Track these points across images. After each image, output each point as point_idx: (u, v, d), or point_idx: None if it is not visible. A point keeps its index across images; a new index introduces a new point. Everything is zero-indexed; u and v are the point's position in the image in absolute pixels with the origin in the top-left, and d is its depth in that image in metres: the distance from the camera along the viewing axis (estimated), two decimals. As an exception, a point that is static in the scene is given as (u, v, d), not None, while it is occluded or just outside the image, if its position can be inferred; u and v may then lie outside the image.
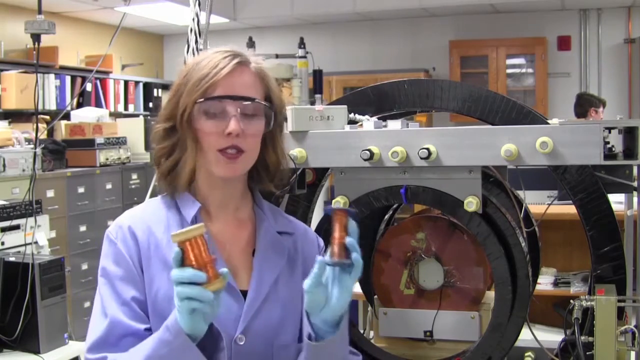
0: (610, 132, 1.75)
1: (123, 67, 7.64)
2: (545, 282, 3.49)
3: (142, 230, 1.39)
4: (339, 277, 1.30)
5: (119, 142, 6.15)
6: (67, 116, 6.14)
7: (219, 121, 1.37)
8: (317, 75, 5.96)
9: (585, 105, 5.89)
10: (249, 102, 1.38)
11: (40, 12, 3.11)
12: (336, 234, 1.29)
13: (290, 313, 1.43)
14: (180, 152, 1.42)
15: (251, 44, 5.81)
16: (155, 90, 7.64)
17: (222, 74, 1.36)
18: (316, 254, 1.50)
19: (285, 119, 1.59)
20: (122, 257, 1.37)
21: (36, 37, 3.06)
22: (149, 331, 1.33)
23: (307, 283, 1.30)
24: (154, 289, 1.36)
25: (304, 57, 5.86)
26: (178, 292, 1.19)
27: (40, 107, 5.89)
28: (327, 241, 1.34)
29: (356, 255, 1.28)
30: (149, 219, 1.42)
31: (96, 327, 1.35)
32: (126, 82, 7.29)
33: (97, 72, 6.49)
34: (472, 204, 1.72)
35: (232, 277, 1.38)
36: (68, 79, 6.35)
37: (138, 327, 1.33)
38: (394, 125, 1.80)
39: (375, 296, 2.04)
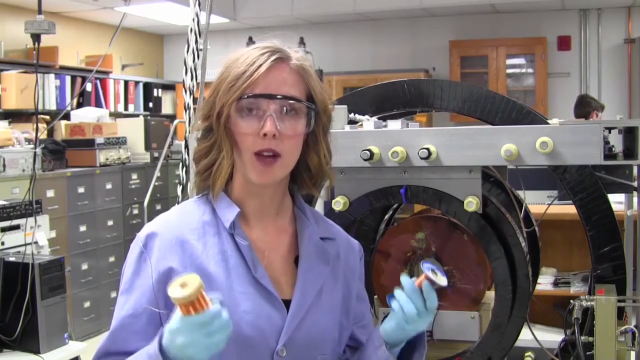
0: (610, 132, 1.75)
1: (123, 67, 7.64)
2: (545, 282, 3.50)
3: (176, 238, 1.31)
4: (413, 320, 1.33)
5: (119, 142, 6.15)
6: (67, 116, 6.14)
7: (254, 122, 1.29)
8: (317, 75, 5.97)
9: (587, 107, 5.89)
10: (286, 101, 1.30)
11: (40, 12, 3.11)
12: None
13: (331, 322, 1.38)
14: (217, 153, 1.34)
15: (251, 43, 5.82)
16: (155, 90, 7.64)
17: (260, 72, 1.28)
18: (358, 264, 1.48)
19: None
20: (145, 268, 1.31)
21: (36, 37, 3.06)
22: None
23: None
24: None
25: (304, 57, 5.86)
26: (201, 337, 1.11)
27: (40, 107, 5.89)
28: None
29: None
30: (183, 226, 1.34)
31: (107, 334, 1.32)
32: (126, 82, 7.29)
33: (97, 72, 6.48)
34: (472, 204, 1.72)
35: (273, 286, 1.32)
36: (68, 79, 6.35)
37: (139, 344, 1.28)
38: (394, 125, 1.80)
39: (375, 296, 2.04)
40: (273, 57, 1.30)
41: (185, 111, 2.47)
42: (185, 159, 2.47)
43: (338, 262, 1.42)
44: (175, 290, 1.09)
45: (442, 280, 1.32)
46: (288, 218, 1.42)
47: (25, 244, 3.21)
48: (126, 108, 7.26)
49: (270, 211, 1.38)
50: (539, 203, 3.70)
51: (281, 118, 1.29)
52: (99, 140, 5.90)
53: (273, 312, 1.30)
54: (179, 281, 1.10)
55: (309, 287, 1.35)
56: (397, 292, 1.33)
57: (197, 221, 1.35)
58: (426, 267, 1.32)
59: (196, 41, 2.47)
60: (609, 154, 1.70)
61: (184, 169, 2.48)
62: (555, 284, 3.56)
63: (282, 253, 1.38)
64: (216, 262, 1.30)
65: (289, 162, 1.33)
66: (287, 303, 1.32)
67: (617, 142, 1.80)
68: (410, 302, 1.32)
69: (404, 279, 1.34)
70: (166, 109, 7.83)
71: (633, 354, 1.84)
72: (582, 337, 1.72)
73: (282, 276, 1.36)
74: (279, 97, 1.29)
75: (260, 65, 1.29)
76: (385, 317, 1.39)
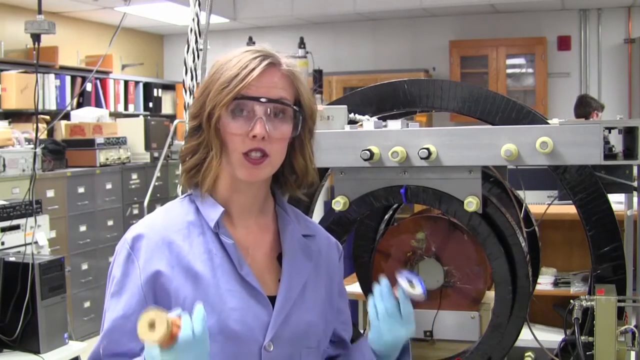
0: (610, 132, 1.75)
1: (123, 67, 7.64)
2: (545, 282, 3.49)
3: (163, 239, 1.34)
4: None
5: (119, 142, 6.15)
6: (67, 116, 6.14)
7: (244, 123, 1.32)
8: (317, 75, 5.97)
9: (587, 107, 5.89)
10: (276, 105, 1.34)
11: (40, 12, 3.11)
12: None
13: (316, 317, 1.41)
14: (205, 151, 1.36)
15: (251, 44, 5.81)
16: (155, 90, 7.64)
17: (253, 76, 1.31)
18: (337, 260, 1.53)
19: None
20: (134, 270, 1.33)
21: (36, 37, 3.06)
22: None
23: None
24: (181, 299, 1.31)
25: (304, 57, 5.86)
26: None
27: (40, 107, 5.89)
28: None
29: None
30: (168, 227, 1.37)
31: (99, 338, 1.34)
32: (126, 82, 7.29)
33: (97, 72, 6.48)
34: (472, 204, 1.72)
35: (259, 283, 1.35)
36: (68, 79, 6.35)
37: (130, 345, 1.31)
38: (394, 125, 1.80)
39: (375, 296, 2.04)
40: (265, 62, 1.35)
41: (185, 111, 2.48)
42: (185, 159, 2.47)
43: (320, 258, 1.47)
44: (147, 334, 1.12)
45: (417, 291, 1.40)
46: (270, 216, 1.46)
47: (25, 244, 3.21)
48: (126, 108, 7.26)
49: (254, 209, 1.43)
50: (539, 203, 3.70)
51: (270, 121, 1.34)
52: (99, 140, 5.90)
53: (259, 308, 1.34)
54: (145, 322, 1.12)
55: (294, 282, 1.39)
56: (374, 291, 1.44)
57: (181, 222, 1.38)
58: (402, 277, 1.42)
59: (196, 41, 2.47)
60: (609, 154, 1.70)
61: (184, 169, 2.48)
62: (555, 284, 3.55)
63: (266, 250, 1.42)
64: (202, 261, 1.33)
65: (276, 162, 1.37)
66: (272, 299, 1.36)
67: (617, 142, 1.80)
68: (381, 302, 1.43)
69: (382, 280, 1.44)
70: (166, 109, 7.83)
71: (633, 354, 1.84)
72: (582, 337, 1.72)
73: (266, 273, 1.40)
74: (271, 100, 1.33)
75: (253, 69, 1.33)
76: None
